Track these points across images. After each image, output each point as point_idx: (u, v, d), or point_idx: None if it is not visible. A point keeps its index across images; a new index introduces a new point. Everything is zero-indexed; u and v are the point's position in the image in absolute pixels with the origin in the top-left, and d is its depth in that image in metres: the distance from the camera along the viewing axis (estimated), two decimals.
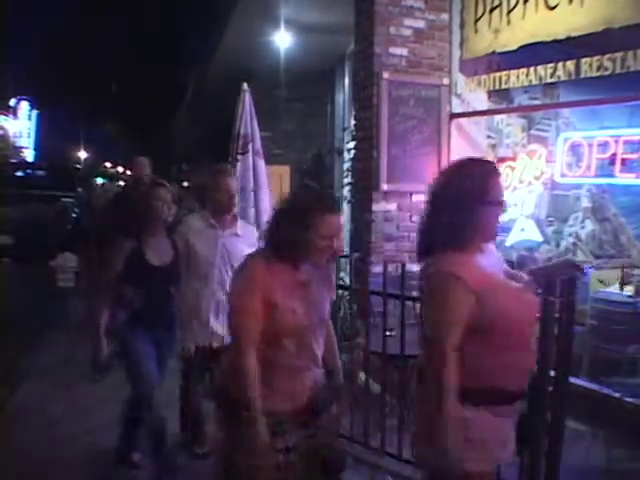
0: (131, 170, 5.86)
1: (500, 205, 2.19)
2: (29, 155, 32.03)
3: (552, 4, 4.75)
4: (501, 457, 2.22)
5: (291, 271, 2.35)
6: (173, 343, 3.79)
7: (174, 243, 3.70)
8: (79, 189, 14.73)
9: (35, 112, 34.80)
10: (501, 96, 5.76)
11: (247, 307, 2.27)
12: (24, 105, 33.35)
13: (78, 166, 25.90)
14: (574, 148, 4.91)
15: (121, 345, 3.53)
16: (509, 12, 5.13)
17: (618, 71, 4.48)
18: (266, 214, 5.34)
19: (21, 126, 32.73)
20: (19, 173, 15.83)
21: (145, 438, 3.63)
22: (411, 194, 5.37)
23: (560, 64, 4.87)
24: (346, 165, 9.12)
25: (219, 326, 3.72)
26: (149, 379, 3.50)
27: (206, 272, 3.75)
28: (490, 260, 2.22)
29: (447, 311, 2.05)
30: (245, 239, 3.84)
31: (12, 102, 31.41)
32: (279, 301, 2.28)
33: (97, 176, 26.55)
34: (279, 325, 2.29)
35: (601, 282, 4.93)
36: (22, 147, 31.94)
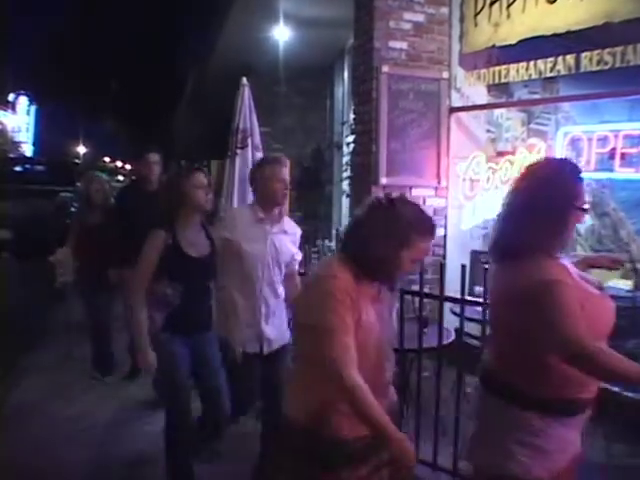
0: (138, 168, 5.30)
1: (585, 212, 2.13)
2: (28, 150, 32.01)
3: None
4: (563, 465, 2.12)
5: (368, 284, 2.13)
6: (214, 345, 3.42)
7: (208, 233, 3.41)
8: (78, 184, 14.70)
9: (34, 107, 34.76)
10: (501, 90, 5.75)
11: (341, 324, 1.99)
12: (23, 100, 33.32)
13: (77, 161, 25.91)
14: (574, 142, 4.91)
15: (157, 351, 3.20)
16: (509, 6, 5.12)
17: (618, 65, 4.48)
18: None
19: (20, 121, 32.70)
20: (18, 168, 15.79)
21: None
22: (410, 188, 5.36)
23: (560, 58, 4.86)
24: (345, 159, 9.12)
25: (270, 330, 3.42)
26: (185, 392, 3.29)
27: (255, 272, 3.37)
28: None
29: (573, 317, 1.92)
30: (291, 236, 3.56)
31: (11, 97, 31.39)
32: (364, 317, 2.06)
33: (96, 171, 26.48)
34: (363, 342, 2.06)
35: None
36: (21, 142, 31.90)
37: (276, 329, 3.45)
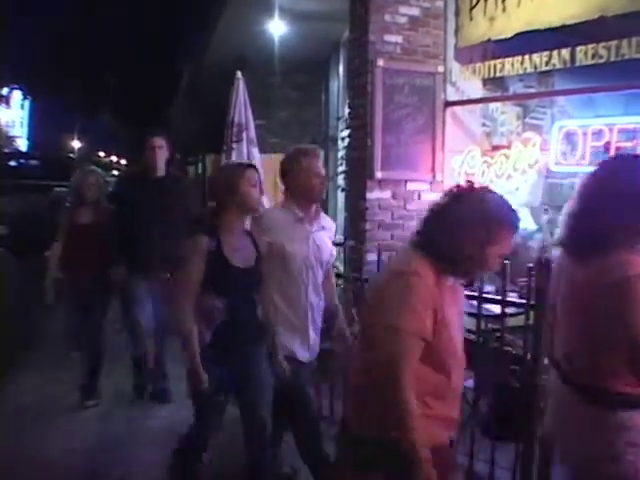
0: (141, 155, 4.58)
1: None
2: (22, 145, 31.90)
3: None
4: None
5: (446, 279, 1.98)
6: (262, 360, 3.11)
7: (254, 239, 3.08)
8: (72, 178, 14.62)
9: (28, 101, 34.62)
10: (496, 84, 5.75)
11: (421, 327, 1.84)
12: (16, 94, 33.17)
13: (72, 156, 25.82)
14: (569, 136, 4.91)
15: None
16: (504, 0, 5.11)
17: (613, 59, 4.48)
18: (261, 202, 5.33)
19: (14, 115, 32.57)
20: (12, 163, 15.73)
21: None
22: (406, 182, 5.36)
23: (555, 52, 4.86)
24: (340, 153, 9.10)
25: (314, 336, 3.26)
26: (219, 415, 3.06)
27: (300, 275, 3.16)
28: None
29: None
30: (329, 231, 3.38)
31: (4, 91, 31.24)
32: (446, 315, 1.92)
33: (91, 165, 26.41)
34: (447, 345, 1.93)
35: None
36: (15, 137, 31.80)
37: (317, 335, 3.31)
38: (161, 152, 4.43)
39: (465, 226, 1.92)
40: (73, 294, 4.71)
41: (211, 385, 2.86)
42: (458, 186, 2.03)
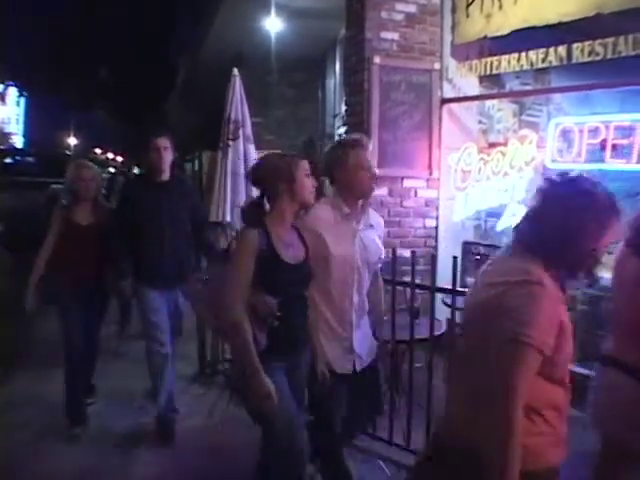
0: (144, 156, 4.22)
1: None
2: (18, 142, 31.83)
3: None
4: None
5: (561, 288, 1.81)
6: (304, 369, 2.83)
7: (301, 235, 2.80)
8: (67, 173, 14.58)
9: (23, 98, 34.55)
10: (492, 81, 5.75)
11: (536, 344, 1.66)
12: (12, 91, 33.09)
13: (68, 153, 25.78)
14: (565, 133, 4.91)
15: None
16: None
17: (609, 56, 4.49)
18: None
19: (9, 112, 32.50)
20: (8, 160, 15.69)
21: None
22: (402, 179, 5.37)
23: (551, 49, 4.87)
24: None
25: (361, 344, 2.98)
26: (301, 430, 2.69)
27: (345, 278, 2.89)
28: None
29: None
30: (377, 229, 3.11)
31: (0, 88, 31.17)
32: (567, 328, 1.76)
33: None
34: (565, 358, 1.79)
35: None
36: (10, 133, 31.73)
37: (366, 342, 3.03)
38: (166, 154, 4.16)
39: (574, 222, 1.74)
40: (69, 299, 4.18)
41: (279, 395, 2.51)
42: (554, 180, 1.84)
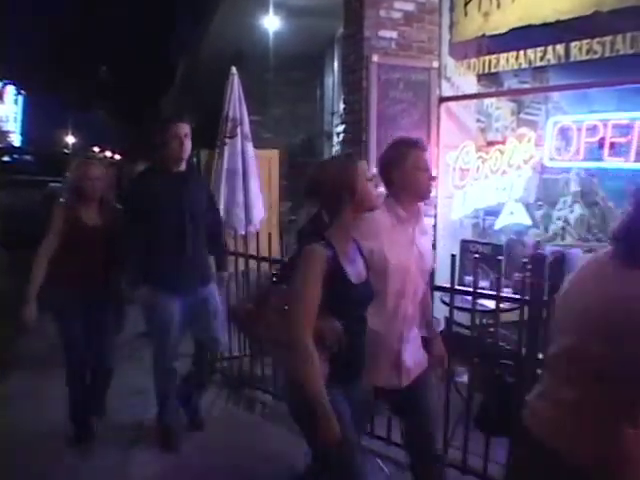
0: (159, 143, 3.78)
1: None
2: (16, 140, 31.79)
3: None
4: None
5: None
6: (363, 393, 2.62)
7: (359, 246, 2.55)
8: (66, 174, 14.60)
9: (21, 96, 34.50)
10: (491, 80, 5.75)
11: None
12: (10, 89, 33.04)
13: (66, 151, 25.75)
14: (563, 132, 4.92)
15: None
16: None
17: (607, 55, 4.50)
18: (255, 198, 5.32)
19: (7, 110, 32.45)
20: (6, 158, 15.68)
21: None
22: None
23: (550, 48, 4.88)
24: (335, 149, 9.11)
25: (409, 358, 2.78)
26: (362, 468, 2.46)
27: (400, 288, 2.68)
28: None
29: None
30: (429, 235, 2.95)
31: None
32: None
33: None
34: None
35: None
36: (9, 132, 31.68)
37: (415, 355, 2.84)
38: (187, 142, 3.77)
39: None
40: (70, 308, 3.85)
41: (341, 425, 2.27)
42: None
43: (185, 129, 3.79)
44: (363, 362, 2.48)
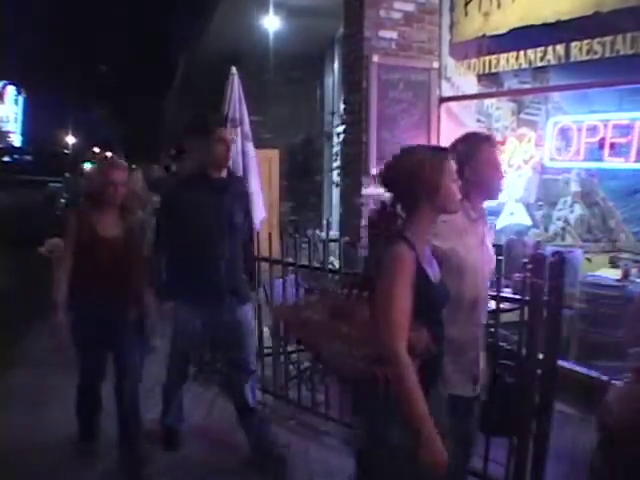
0: (197, 148, 3.60)
1: None
2: (16, 140, 31.78)
3: None
4: None
5: None
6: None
7: (431, 247, 2.33)
8: (66, 174, 14.63)
9: (22, 97, 34.48)
10: (491, 80, 5.75)
11: None
12: (10, 90, 33.03)
13: (66, 151, 25.74)
14: (563, 132, 4.92)
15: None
16: None
17: (607, 55, 4.49)
18: (256, 198, 5.31)
19: (8, 111, 32.44)
20: (6, 158, 15.70)
21: None
22: None
23: (550, 48, 4.87)
24: (335, 149, 9.11)
25: (482, 364, 2.64)
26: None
27: (475, 291, 2.52)
28: None
29: None
30: (492, 235, 2.79)
31: None
32: None
33: (85, 162, 26.44)
34: None
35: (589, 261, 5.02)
36: (9, 132, 31.67)
37: (483, 359, 2.68)
38: (232, 147, 3.55)
39: None
40: (88, 332, 3.49)
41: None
42: None
43: (226, 133, 3.61)
44: (441, 369, 2.29)
